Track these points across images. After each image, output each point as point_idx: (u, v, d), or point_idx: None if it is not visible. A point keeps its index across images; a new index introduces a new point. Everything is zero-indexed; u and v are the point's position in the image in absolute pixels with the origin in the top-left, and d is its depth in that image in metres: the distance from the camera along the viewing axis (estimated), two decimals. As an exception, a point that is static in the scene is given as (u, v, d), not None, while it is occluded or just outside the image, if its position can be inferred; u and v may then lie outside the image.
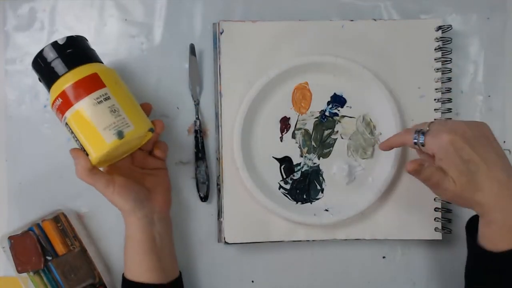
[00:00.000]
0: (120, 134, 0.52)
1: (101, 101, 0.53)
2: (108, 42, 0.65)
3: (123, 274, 0.59)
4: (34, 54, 0.55)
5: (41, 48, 0.55)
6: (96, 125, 0.52)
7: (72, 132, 0.54)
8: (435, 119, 0.64)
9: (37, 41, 0.65)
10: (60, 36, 0.64)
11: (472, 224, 0.54)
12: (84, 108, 0.52)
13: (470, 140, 0.50)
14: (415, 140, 0.53)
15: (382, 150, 0.60)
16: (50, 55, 0.54)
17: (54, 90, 0.54)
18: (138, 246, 0.57)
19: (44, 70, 0.55)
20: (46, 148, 0.65)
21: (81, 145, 0.54)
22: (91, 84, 0.53)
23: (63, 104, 0.53)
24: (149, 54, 0.66)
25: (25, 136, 0.65)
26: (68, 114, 0.53)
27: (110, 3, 0.66)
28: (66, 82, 0.53)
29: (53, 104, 0.54)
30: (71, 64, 0.54)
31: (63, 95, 0.53)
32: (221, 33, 0.63)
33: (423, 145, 0.52)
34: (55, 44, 0.55)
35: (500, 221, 0.49)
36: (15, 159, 0.65)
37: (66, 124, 0.54)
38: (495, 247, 0.50)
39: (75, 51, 0.55)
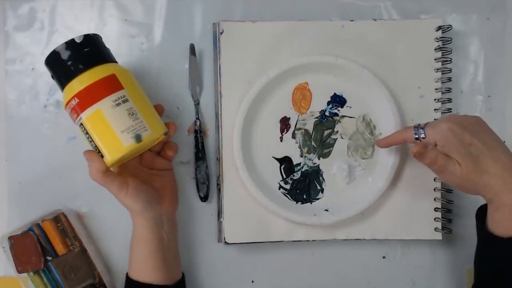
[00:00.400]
0: (138, 138, 0.51)
1: (119, 103, 0.52)
2: (108, 42, 0.65)
3: (127, 273, 0.59)
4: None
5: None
6: (114, 127, 0.51)
7: (86, 133, 0.52)
8: (435, 119, 0.64)
9: (37, 41, 0.65)
10: (60, 36, 0.65)
11: (482, 213, 0.54)
12: (102, 110, 0.51)
13: (468, 127, 0.52)
14: (416, 135, 0.54)
15: (381, 148, 0.61)
16: (66, 53, 0.52)
17: (69, 89, 0.52)
18: (145, 246, 0.57)
19: (59, 68, 0.53)
20: (46, 148, 0.65)
21: (95, 146, 0.53)
22: (110, 86, 0.52)
23: (79, 105, 0.52)
24: (149, 54, 0.66)
25: (25, 136, 0.65)
26: (84, 115, 0.52)
27: (110, 3, 0.66)
28: (84, 82, 0.52)
29: (67, 103, 0.53)
30: (88, 64, 0.52)
31: (80, 95, 0.51)
32: (221, 33, 0.63)
33: (424, 138, 0.54)
34: (72, 42, 0.53)
35: (510, 203, 0.50)
36: (15, 159, 0.65)
37: (81, 124, 0.52)
38: (506, 232, 0.50)
39: (92, 50, 0.54)
